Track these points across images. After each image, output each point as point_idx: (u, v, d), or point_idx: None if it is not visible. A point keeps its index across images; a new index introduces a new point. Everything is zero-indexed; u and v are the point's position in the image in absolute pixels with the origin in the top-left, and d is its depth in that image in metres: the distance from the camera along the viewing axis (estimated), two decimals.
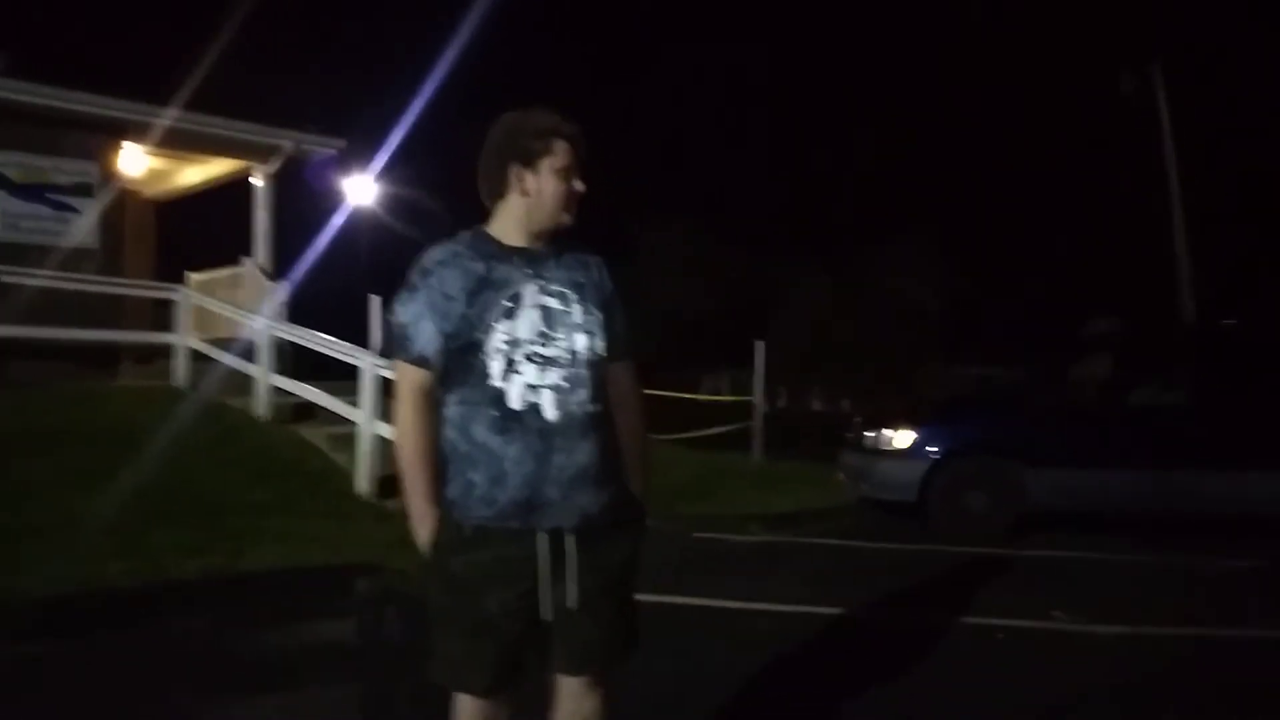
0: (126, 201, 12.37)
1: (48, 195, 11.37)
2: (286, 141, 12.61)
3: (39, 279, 10.04)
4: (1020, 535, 7.98)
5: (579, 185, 2.35)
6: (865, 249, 31.66)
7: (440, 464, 2.32)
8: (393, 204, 23.35)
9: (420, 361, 2.29)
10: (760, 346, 12.74)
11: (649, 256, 31.09)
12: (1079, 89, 24.96)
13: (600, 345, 2.33)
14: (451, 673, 2.36)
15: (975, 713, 4.00)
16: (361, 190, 20.97)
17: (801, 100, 34.15)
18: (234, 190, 13.65)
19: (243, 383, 9.71)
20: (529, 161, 2.31)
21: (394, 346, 2.33)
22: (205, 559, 5.94)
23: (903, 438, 8.54)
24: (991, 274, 29.72)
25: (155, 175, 13.39)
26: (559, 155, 2.31)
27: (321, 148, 13.17)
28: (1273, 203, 22.93)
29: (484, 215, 2.39)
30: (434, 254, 2.32)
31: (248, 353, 9.87)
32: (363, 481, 7.84)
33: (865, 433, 8.99)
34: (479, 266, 2.28)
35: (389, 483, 7.85)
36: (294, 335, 9.85)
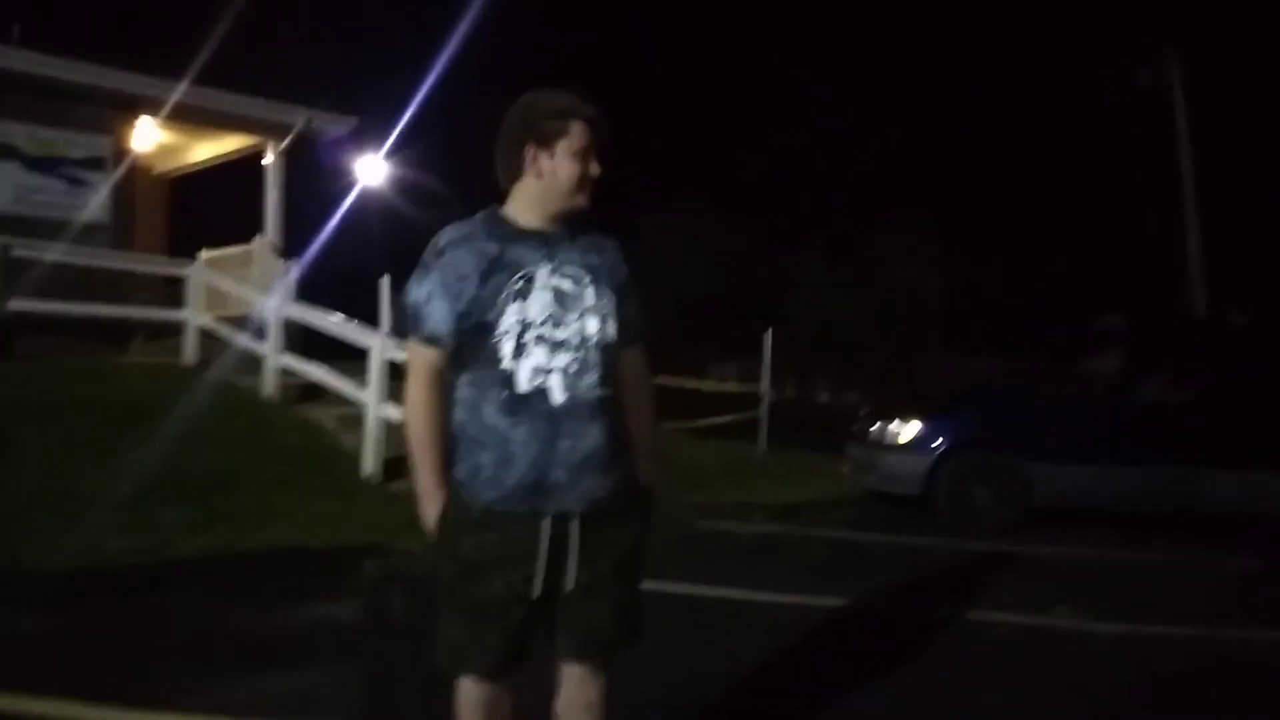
0: (138, 176, 12.38)
1: (60, 169, 11.37)
2: (298, 118, 12.58)
3: (51, 253, 10.04)
4: (1025, 530, 7.96)
5: (595, 168, 2.34)
6: (874, 240, 31.59)
7: (450, 445, 2.32)
8: (404, 184, 23.32)
9: (432, 341, 2.29)
10: (768, 336, 12.72)
11: (655, 243, 31.02)
12: (1093, 81, 24.80)
13: (612, 329, 2.32)
14: (455, 654, 2.37)
15: (975, 708, 3.99)
16: (373, 169, 20.94)
17: (812, 89, 33.96)
18: (245, 167, 13.64)
19: (252, 361, 9.72)
20: (544, 142, 2.30)
21: (406, 325, 2.33)
22: (210, 537, 5.96)
23: (908, 430, 8.52)
24: (1001, 266, 29.62)
25: (167, 151, 13.39)
26: (575, 137, 2.30)
27: (334, 125, 13.15)
28: None
29: (498, 196, 2.38)
30: (448, 234, 2.32)
31: (257, 332, 9.88)
32: (369, 463, 7.85)
33: (871, 425, 8.98)
34: (492, 247, 2.27)
35: (395, 464, 7.85)
36: (303, 315, 9.85)
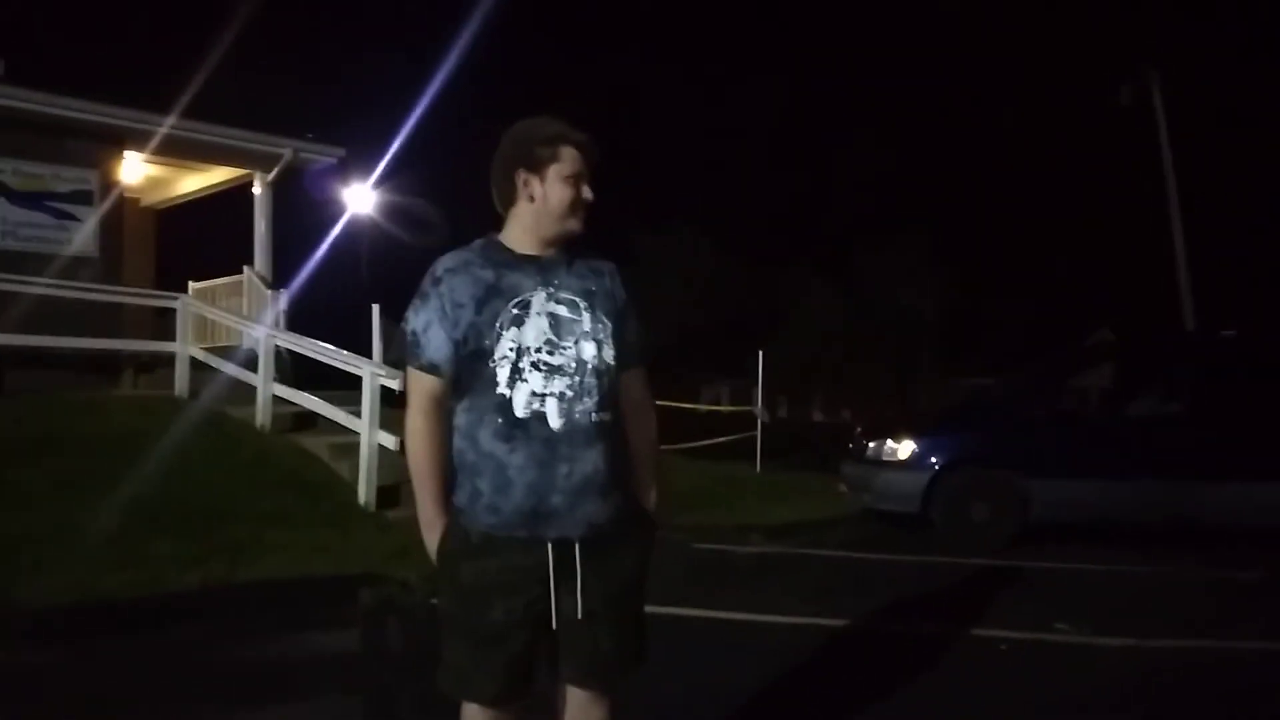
0: (126, 209, 12.35)
1: (47, 203, 11.34)
2: (286, 150, 12.59)
3: (38, 287, 10.01)
4: (1023, 546, 7.96)
5: (587, 193, 2.34)
6: (865, 260, 31.73)
7: (450, 471, 2.31)
8: (391, 212, 23.38)
9: (431, 369, 2.28)
10: (761, 356, 12.74)
11: (648, 265, 31.11)
12: (1078, 101, 25.06)
13: (610, 354, 2.31)
14: (459, 681, 2.35)
15: None
16: (361, 199, 21.02)
17: (803, 112, 34.24)
18: (234, 198, 13.64)
19: (244, 392, 9.68)
20: (535, 168, 2.30)
21: (405, 353, 2.32)
22: (205, 569, 5.91)
23: (904, 448, 8.53)
24: (991, 284, 29.79)
25: (155, 183, 13.38)
26: (566, 162, 2.31)
27: (321, 156, 13.17)
28: (1272, 212, 22.99)
29: (487, 222, 2.40)
30: (445, 261, 2.32)
31: (249, 362, 9.85)
32: (364, 491, 7.82)
33: (867, 443, 8.98)
34: (489, 274, 2.28)
35: (390, 492, 7.82)
36: (295, 344, 9.83)
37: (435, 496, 2.33)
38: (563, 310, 2.29)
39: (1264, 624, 5.68)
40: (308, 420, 9.40)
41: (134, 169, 12.11)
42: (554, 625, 2.28)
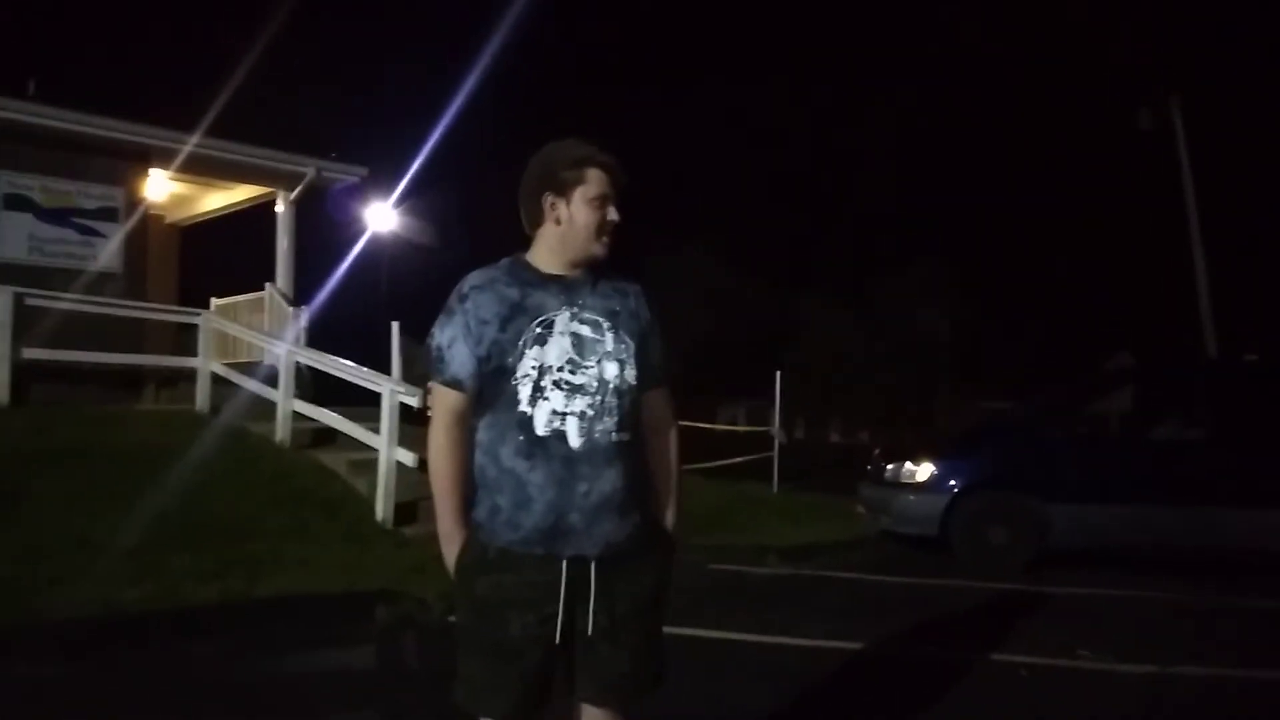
0: (150, 226, 12.47)
1: (73, 219, 11.48)
2: (309, 169, 12.71)
3: (64, 302, 10.12)
4: (1043, 570, 7.89)
5: (614, 215, 2.36)
6: (883, 281, 31.69)
7: (470, 487, 2.33)
8: (413, 231, 23.53)
9: (454, 384, 2.31)
10: (779, 377, 12.72)
11: (664, 286, 31.16)
12: (1098, 124, 25.00)
13: (631, 374, 2.32)
14: (474, 696, 2.35)
15: None
16: (382, 217, 21.19)
17: (824, 133, 34.31)
18: (256, 216, 13.76)
19: (264, 408, 9.74)
20: (562, 191, 2.33)
21: (429, 368, 2.35)
22: (223, 584, 5.93)
23: (923, 471, 8.49)
24: (1010, 307, 29.68)
25: (179, 200, 13.51)
26: (592, 184, 2.32)
27: (344, 175, 13.29)
28: None
29: (509, 242, 2.43)
30: (471, 279, 2.35)
31: (269, 378, 9.91)
32: (381, 507, 7.83)
33: (885, 465, 8.94)
34: (514, 293, 2.30)
35: (407, 509, 7.84)
36: (315, 360, 9.88)
37: (455, 510, 2.34)
38: (586, 330, 2.30)
39: None
40: (327, 436, 9.44)
41: (159, 186, 12.23)
42: (559, 641, 2.28)
